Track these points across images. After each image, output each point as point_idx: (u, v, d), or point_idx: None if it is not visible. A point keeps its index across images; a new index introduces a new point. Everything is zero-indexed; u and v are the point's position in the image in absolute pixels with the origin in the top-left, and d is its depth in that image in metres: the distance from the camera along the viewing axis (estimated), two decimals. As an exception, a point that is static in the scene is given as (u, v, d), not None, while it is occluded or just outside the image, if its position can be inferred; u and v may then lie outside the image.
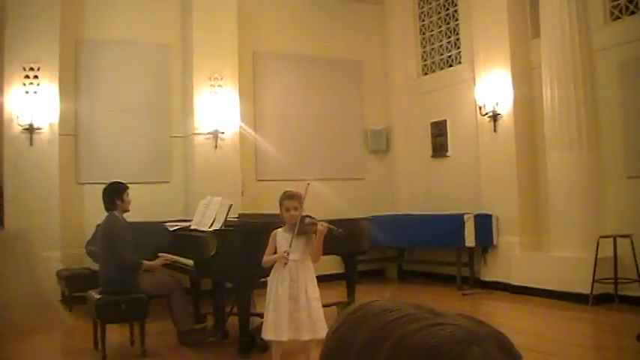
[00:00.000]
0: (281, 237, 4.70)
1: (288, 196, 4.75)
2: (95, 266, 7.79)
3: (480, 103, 8.96)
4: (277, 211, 6.11)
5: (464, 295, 8.51)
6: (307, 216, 4.71)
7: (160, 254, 6.12)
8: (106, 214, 5.99)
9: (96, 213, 8.33)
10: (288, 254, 4.54)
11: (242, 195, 9.15)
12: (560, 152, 7.68)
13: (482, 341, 0.74)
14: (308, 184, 4.69)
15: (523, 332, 6.33)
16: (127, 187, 6.01)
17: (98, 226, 7.99)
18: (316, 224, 4.62)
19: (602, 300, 7.18)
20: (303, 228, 4.65)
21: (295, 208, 4.68)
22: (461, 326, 0.74)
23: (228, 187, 8.95)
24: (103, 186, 8.53)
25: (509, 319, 7.22)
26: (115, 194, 5.90)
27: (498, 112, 8.67)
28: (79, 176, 8.69)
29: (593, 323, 6.79)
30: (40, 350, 6.12)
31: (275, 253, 4.68)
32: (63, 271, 7.85)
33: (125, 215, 6.18)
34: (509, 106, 8.57)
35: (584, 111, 7.56)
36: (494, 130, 8.73)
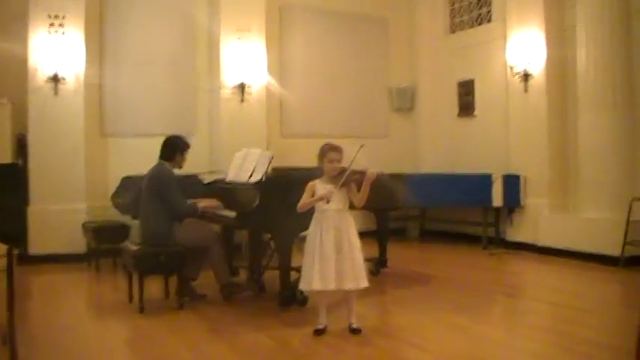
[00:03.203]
0: (321, 187, 4.83)
1: (331, 147, 4.89)
2: (121, 218, 7.87)
3: (510, 63, 8.92)
4: (307, 165, 6.22)
5: (491, 254, 8.59)
6: (346, 168, 4.78)
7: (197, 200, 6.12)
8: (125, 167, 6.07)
9: (120, 166, 8.47)
10: (332, 193, 4.67)
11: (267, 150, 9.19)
12: (594, 113, 7.68)
13: None
14: (362, 145, 4.74)
15: (555, 289, 6.50)
16: (189, 146, 6.06)
17: (124, 179, 8.08)
18: (364, 173, 4.77)
19: (632, 262, 7.27)
20: (349, 178, 4.75)
21: (338, 161, 4.85)
22: None
23: (254, 142, 8.93)
24: (128, 140, 8.64)
25: (539, 277, 7.39)
26: (178, 147, 5.98)
27: (529, 73, 8.64)
28: (104, 128, 8.69)
29: (624, 284, 6.86)
30: (73, 306, 6.14)
31: None
32: (89, 224, 7.87)
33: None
34: (541, 67, 8.54)
35: (620, 72, 7.54)
36: (525, 91, 8.71)
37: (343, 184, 4.76)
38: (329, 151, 4.86)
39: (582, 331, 4.84)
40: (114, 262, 7.81)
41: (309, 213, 4.87)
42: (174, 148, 5.96)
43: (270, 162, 5.95)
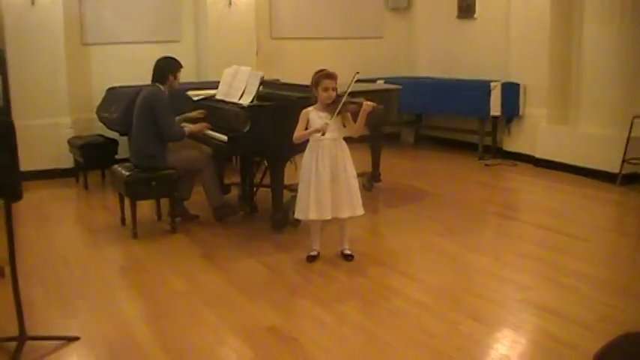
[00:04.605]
0: (315, 115, 5.01)
1: (326, 75, 5.00)
2: (108, 133, 8.11)
3: (515, -38, 8.91)
4: (297, 80, 6.45)
5: (486, 165, 8.94)
6: (341, 95, 4.96)
7: (185, 124, 6.34)
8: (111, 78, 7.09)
9: (104, 76, 8.62)
10: (327, 125, 4.86)
11: (256, 55, 9.33)
12: (599, 25, 7.76)
13: None
14: (357, 72, 4.89)
15: (549, 211, 6.82)
16: (182, 66, 6.19)
17: (109, 90, 8.24)
18: (360, 104, 4.95)
19: (629, 180, 7.61)
20: (344, 108, 4.94)
21: (333, 89, 4.99)
22: None
23: (243, 47, 9.15)
24: (110, 48, 8.72)
25: (535, 196, 7.69)
26: (169, 69, 6.09)
27: (535, -26, 8.66)
28: (85, 37, 8.74)
29: (619, 205, 7.20)
30: (66, 231, 6.43)
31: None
32: (75, 139, 8.10)
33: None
34: (547, -31, 8.53)
35: (631, -18, 7.54)
36: (529, -6, 8.75)
37: (338, 113, 4.94)
38: (323, 78, 4.97)
39: (570, 261, 5.18)
40: (102, 177, 8.12)
41: (303, 137, 5.11)
42: (165, 70, 6.08)
43: (260, 83, 6.10)
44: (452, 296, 4.52)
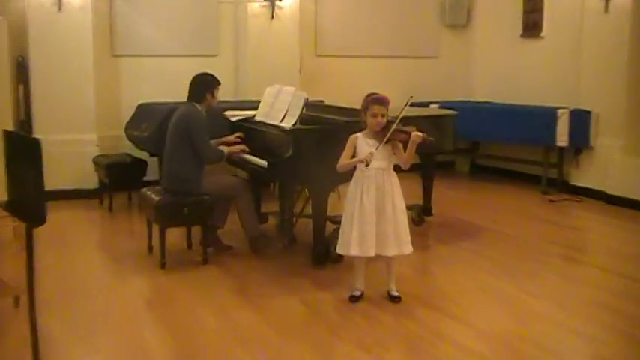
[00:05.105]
0: (362, 142, 5.06)
1: (376, 100, 5.05)
2: (136, 152, 8.28)
3: (590, -24, 8.90)
4: (343, 102, 6.55)
5: (550, 201, 8.91)
6: (392, 122, 5.02)
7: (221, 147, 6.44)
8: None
9: (134, 90, 8.83)
10: (372, 156, 4.90)
11: (299, 73, 9.46)
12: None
13: None
14: (411, 97, 4.95)
15: (621, 255, 6.73)
16: (220, 83, 6.32)
17: (140, 106, 8.43)
18: (409, 133, 4.98)
19: None
20: (393, 137, 5.00)
21: (383, 115, 5.03)
22: None
23: (285, 64, 9.28)
24: (142, 60, 8.93)
25: (605, 236, 7.62)
26: (207, 86, 6.23)
27: (613, -10, 8.65)
28: (115, 47, 9.00)
29: None
30: (89, 258, 6.55)
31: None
32: (101, 158, 8.29)
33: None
34: (627, -17, 8.52)
35: None
36: (605, 11, 8.69)
37: (387, 142, 4.99)
38: (372, 103, 5.03)
39: (644, 313, 5.13)
40: (129, 199, 8.28)
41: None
42: (202, 87, 6.21)
43: (304, 104, 6.18)
44: (509, 345, 4.50)
